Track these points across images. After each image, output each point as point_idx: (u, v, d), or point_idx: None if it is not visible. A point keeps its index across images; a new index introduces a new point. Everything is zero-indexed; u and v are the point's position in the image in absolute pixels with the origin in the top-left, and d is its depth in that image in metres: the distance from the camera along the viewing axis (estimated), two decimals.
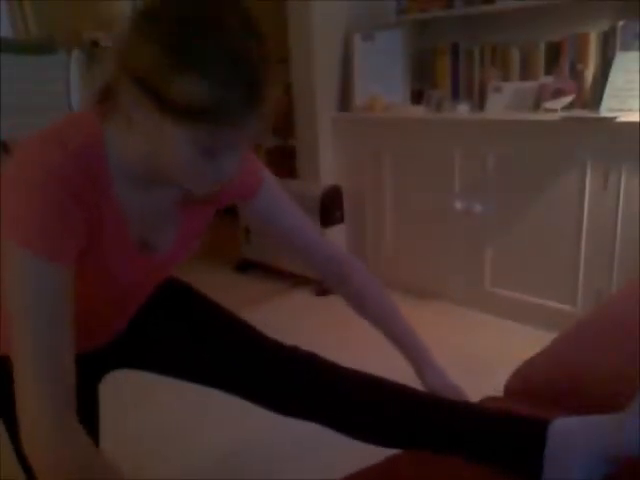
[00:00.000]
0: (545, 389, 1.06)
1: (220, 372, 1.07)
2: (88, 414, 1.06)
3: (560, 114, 2.13)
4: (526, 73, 2.43)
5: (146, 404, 1.91)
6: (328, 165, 2.80)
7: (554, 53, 2.34)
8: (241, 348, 1.07)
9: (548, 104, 2.23)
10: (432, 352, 1.11)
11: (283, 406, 1.06)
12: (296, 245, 1.07)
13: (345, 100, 2.78)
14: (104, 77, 0.77)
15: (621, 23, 2.12)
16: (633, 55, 2.06)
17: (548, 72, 2.35)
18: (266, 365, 1.05)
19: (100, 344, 1.01)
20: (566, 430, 0.85)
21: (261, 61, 0.69)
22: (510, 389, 1.10)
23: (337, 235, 2.72)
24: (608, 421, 0.83)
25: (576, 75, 2.26)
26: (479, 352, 2.12)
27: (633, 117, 1.90)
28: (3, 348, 0.86)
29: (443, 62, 2.68)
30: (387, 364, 1.09)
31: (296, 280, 2.82)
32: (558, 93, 2.22)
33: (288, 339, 1.08)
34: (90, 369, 0.99)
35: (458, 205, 2.39)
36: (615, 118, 1.92)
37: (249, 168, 0.94)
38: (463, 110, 2.47)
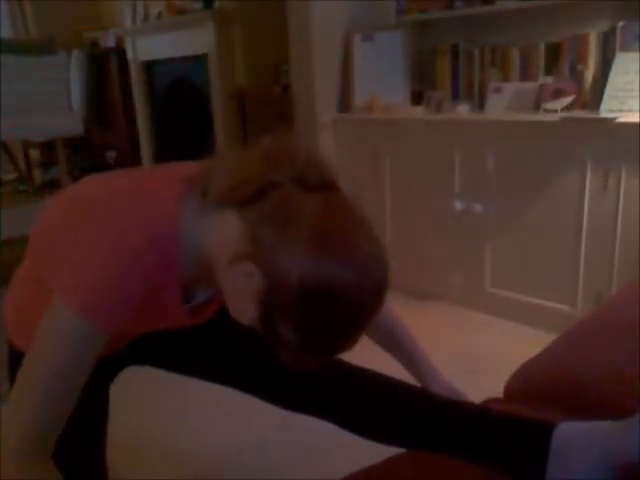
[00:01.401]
0: (545, 390, 1.06)
1: (235, 368, 1.08)
2: (99, 414, 1.08)
3: (560, 115, 2.13)
4: (526, 74, 2.43)
5: (146, 404, 1.91)
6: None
7: (554, 54, 2.34)
8: (256, 344, 1.08)
9: (548, 105, 2.23)
10: (435, 366, 1.12)
11: (295, 403, 1.07)
12: None
13: (345, 101, 2.78)
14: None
15: (621, 24, 2.12)
16: (633, 56, 2.06)
17: (548, 73, 2.35)
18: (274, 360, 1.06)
19: (121, 348, 1.02)
20: (570, 434, 0.86)
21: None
22: (510, 390, 1.10)
23: None
24: (613, 427, 0.83)
25: (576, 76, 2.26)
26: (479, 353, 2.12)
27: (633, 118, 1.90)
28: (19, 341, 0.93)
29: (443, 63, 2.68)
30: (387, 365, 1.09)
31: None
32: (558, 94, 2.22)
33: None
34: (106, 368, 1.00)
35: (458, 206, 2.39)
36: (615, 119, 1.92)
37: None
38: (463, 111, 2.48)
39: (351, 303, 0.69)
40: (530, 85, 2.37)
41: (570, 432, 0.86)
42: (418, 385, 1.10)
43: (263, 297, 0.69)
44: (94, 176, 0.88)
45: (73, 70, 3.57)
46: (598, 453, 0.82)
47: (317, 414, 1.05)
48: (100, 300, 0.72)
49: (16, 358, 0.88)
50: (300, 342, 0.70)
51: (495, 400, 1.08)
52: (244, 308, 0.74)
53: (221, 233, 0.74)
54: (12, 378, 0.96)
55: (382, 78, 2.74)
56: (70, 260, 0.73)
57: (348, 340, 0.73)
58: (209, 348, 1.08)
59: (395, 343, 1.12)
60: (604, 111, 2.05)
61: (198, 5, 4.08)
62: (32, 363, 0.74)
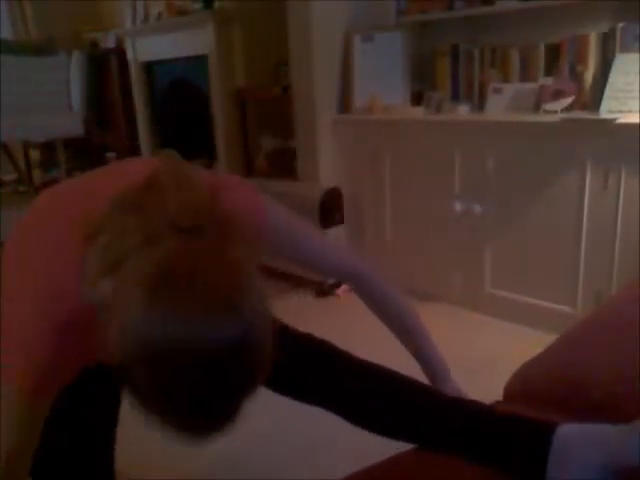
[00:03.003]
0: (545, 390, 1.06)
1: None
2: (111, 417, 1.10)
3: (560, 115, 2.13)
4: (526, 74, 2.43)
5: None
6: (328, 167, 2.81)
7: (554, 54, 2.34)
8: None
9: (548, 105, 2.23)
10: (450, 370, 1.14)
11: (300, 391, 1.07)
12: (312, 270, 1.16)
13: (345, 101, 2.78)
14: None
15: (621, 25, 2.13)
16: (633, 57, 2.06)
17: (548, 73, 2.35)
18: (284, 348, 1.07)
19: None
20: (571, 436, 0.86)
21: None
22: (510, 390, 1.10)
23: (337, 237, 2.72)
24: (614, 431, 0.83)
25: (576, 76, 2.26)
26: (479, 353, 2.12)
27: (633, 118, 1.90)
28: None
29: (443, 63, 2.68)
30: (388, 364, 1.09)
31: (296, 281, 2.82)
32: (558, 94, 2.23)
33: None
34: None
35: (458, 206, 2.39)
36: (615, 119, 1.93)
37: (250, 222, 0.83)
38: (463, 111, 2.48)
39: (195, 359, 0.59)
40: (530, 86, 2.37)
41: (571, 434, 0.86)
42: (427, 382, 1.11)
43: (121, 353, 0.62)
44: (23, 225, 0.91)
45: (73, 71, 3.57)
46: (598, 456, 0.82)
47: (321, 403, 1.06)
48: (37, 380, 0.76)
49: None
50: (159, 404, 0.63)
51: (495, 402, 1.08)
52: None
53: (103, 294, 0.68)
54: None
55: (382, 79, 2.74)
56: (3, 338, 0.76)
57: (206, 401, 0.62)
58: None
59: (406, 331, 1.14)
60: (604, 112, 2.05)
61: (198, 6, 4.08)
62: None
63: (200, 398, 0.61)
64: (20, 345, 0.76)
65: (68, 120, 3.49)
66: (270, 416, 1.74)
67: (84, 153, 4.81)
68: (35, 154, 5.01)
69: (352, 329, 1.88)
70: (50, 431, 0.83)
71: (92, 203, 0.75)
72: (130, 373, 0.61)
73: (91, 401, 1.08)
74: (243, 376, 0.63)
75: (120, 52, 5.00)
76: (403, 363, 1.09)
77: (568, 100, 2.20)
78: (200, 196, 0.69)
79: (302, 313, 2.60)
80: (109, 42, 5.17)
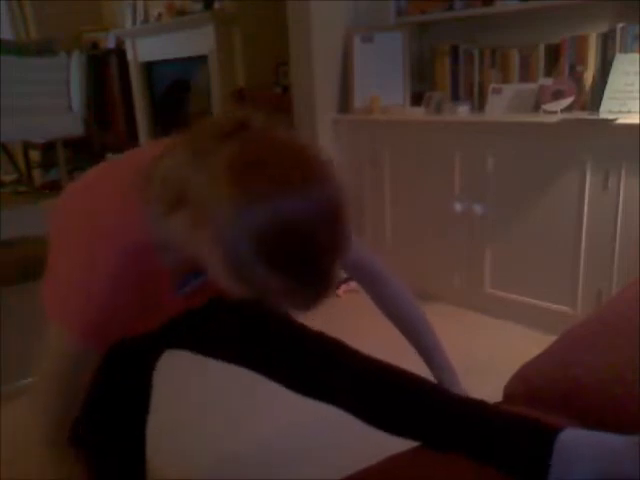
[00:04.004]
0: (545, 391, 1.06)
1: (245, 347, 1.12)
2: (141, 399, 1.17)
3: (560, 116, 2.14)
4: (526, 75, 2.43)
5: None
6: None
7: (553, 55, 2.34)
8: (271, 325, 1.12)
9: (548, 106, 2.24)
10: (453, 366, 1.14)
11: (302, 384, 1.09)
12: None
13: (345, 101, 2.78)
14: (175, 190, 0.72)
15: (620, 25, 2.13)
16: (632, 57, 2.06)
17: (548, 74, 2.35)
18: (292, 343, 1.09)
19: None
20: (575, 441, 0.86)
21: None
22: (510, 391, 1.10)
23: None
24: (618, 442, 0.83)
25: (575, 77, 2.26)
26: (478, 353, 2.12)
27: (633, 119, 1.90)
28: None
29: (443, 64, 2.68)
30: (401, 358, 1.10)
31: None
32: (558, 95, 2.23)
33: None
34: (144, 350, 1.10)
35: (458, 206, 2.40)
36: (614, 120, 1.93)
37: None
38: (463, 112, 2.48)
39: (302, 224, 0.65)
40: (530, 86, 2.37)
41: (575, 439, 0.86)
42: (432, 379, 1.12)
43: (226, 258, 0.67)
44: (75, 190, 0.91)
45: (73, 71, 3.57)
46: (602, 464, 0.82)
47: (330, 399, 1.06)
48: (92, 325, 0.77)
49: None
50: (285, 281, 0.67)
51: (495, 404, 1.08)
52: (225, 280, 0.72)
53: (180, 225, 0.73)
54: None
55: (382, 79, 2.74)
56: (59, 287, 0.79)
57: (324, 261, 0.68)
58: (217, 326, 1.12)
59: (416, 333, 1.15)
60: (604, 112, 2.05)
61: (198, 6, 4.08)
62: (40, 376, 0.83)
63: (317, 263, 0.67)
64: (79, 289, 0.77)
65: (68, 120, 3.49)
66: (270, 416, 1.74)
67: (84, 153, 4.81)
68: (35, 154, 5.01)
69: (352, 329, 1.87)
70: (87, 411, 0.87)
71: (138, 162, 0.81)
72: (242, 270, 0.66)
73: (125, 385, 1.12)
74: (342, 237, 0.69)
75: (120, 53, 5.00)
76: (404, 362, 1.09)
77: (568, 100, 2.20)
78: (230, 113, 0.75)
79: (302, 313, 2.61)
80: (109, 42, 5.18)
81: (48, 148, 4.59)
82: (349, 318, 2.28)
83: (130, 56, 4.90)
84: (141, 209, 0.78)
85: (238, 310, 1.11)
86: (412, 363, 1.13)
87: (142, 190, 0.77)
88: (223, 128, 0.70)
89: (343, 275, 1.12)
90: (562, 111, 2.19)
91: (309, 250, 0.66)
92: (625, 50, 2.12)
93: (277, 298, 0.72)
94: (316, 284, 0.69)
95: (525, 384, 1.09)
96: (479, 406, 0.99)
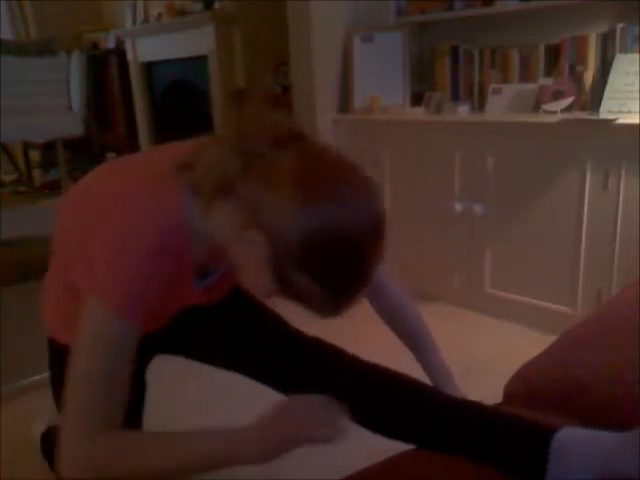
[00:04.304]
0: (545, 391, 1.06)
1: (245, 355, 1.12)
2: (134, 399, 1.12)
3: (560, 116, 2.14)
4: (526, 75, 2.43)
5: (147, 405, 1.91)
6: None
7: (553, 55, 2.34)
8: (266, 331, 1.12)
9: (548, 106, 2.24)
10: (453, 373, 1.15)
11: (297, 391, 1.08)
12: None
13: (345, 101, 2.79)
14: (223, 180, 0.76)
15: (620, 25, 2.13)
16: (632, 57, 2.06)
17: (548, 74, 2.35)
18: (288, 348, 1.10)
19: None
20: (571, 440, 0.86)
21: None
22: (510, 391, 1.10)
23: None
24: (614, 439, 0.83)
25: (575, 77, 2.26)
26: (478, 354, 2.12)
27: (632, 119, 1.90)
28: (62, 337, 1.00)
29: (443, 64, 2.68)
30: (396, 362, 1.09)
31: None
32: (557, 95, 2.23)
33: None
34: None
35: (458, 207, 2.40)
36: (614, 120, 1.93)
37: None
38: (463, 112, 2.48)
39: (353, 236, 0.71)
40: (530, 86, 2.37)
41: (570, 438, 0.86)
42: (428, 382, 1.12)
43: (274, 259, 0.72)
44: (100, 172, 0.93)
45: (73, 71, 3.57)
46: (598, 462, 0.82)
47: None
48: (133, 300, 0.76)
49: (59, 354, 0.98)
50: (322, 288, 0.72)
51: (495, 404, 1.08)
52: (260, 277, 0.76)
53: (222, 218, 0.78)
54: (52, 368, 1.07)
55: (382, 79, 2.74)
56: (97, 264, 0.77)
57: (364, 274, 0.75)
58: (221, 332, 1.12)
59: (414, 337, 1.16)
60: (604, 112, 2.05)
61: (198, 6, 4.08)
62: (79, 365, 0.77)
63: (358, 273, 0.74)
64: (117, 267, 0.76)
65: (68, 120, 3.48)
66: None
67: (84, 153, 4.81)
68: (35, 154, 5.01)
69: (349, 333, 1.87)
70: None
71: (172, 154, 0.84)
72: (286, 268, 0.71)
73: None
74: (382, 250, 0.75)
75: (120, 53, 5.00)
76: (401, 366, 1.09)
77: (568, 100, 2.20)
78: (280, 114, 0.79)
79: (301, 316, 2.60)
80: (109, 42, 5.18)
81: (48, 148, 4.59)
82: (346, 322, 2.29)
83: (130, 56, 4.90)
84: (180, 193, 0.80)
85: (233, 315, 1.11)
86: (406, 366, 1.13)
87: (182, 174, 0.79)
88: (279, 135, 0.74)
89: None
90: (562, 111, 2.19)
91: (354, 259, 0.72)
92: (625, 50, 2.12)
93: (309, 301, 0.75)
94: (349, 293, 0.75)
95: (525, 384, 1.09)
96: (476, 408, 0.99)
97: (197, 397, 1.92)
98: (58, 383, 1.04)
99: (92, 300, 0.77)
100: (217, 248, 0.82)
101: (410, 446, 0.98)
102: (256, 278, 0.78)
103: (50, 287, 1.01)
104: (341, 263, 0.72)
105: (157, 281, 0.78)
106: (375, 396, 1.03)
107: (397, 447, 0.97)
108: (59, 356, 0.99)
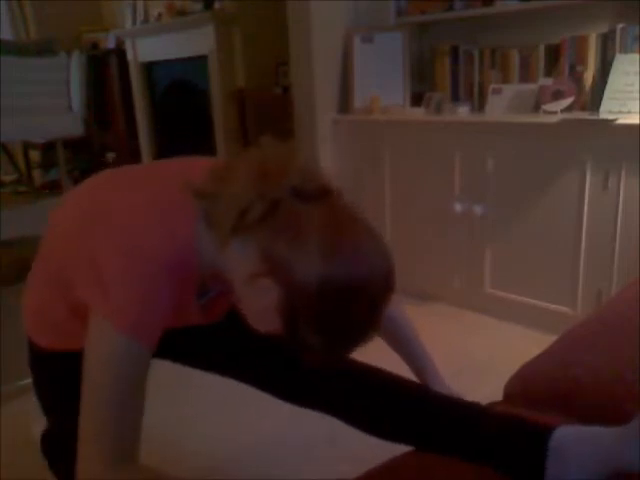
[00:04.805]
0: (545, 391, 1.06)
1: (243, 361, 1.11)
2: None
3: (560, 116, 2.14)
4: (526, 75, 2.43)
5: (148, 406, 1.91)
6: (328, 167, 2.81)
7: (554, 55, 2.34)
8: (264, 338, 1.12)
9: (548, 106, 2.24)
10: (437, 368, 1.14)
11: (301, 397, 1.08)
12: None
13: (345, 102, 2.79)
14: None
15: (620, 25, 2.13)
16: (632, 57, 2.06)
17: (548, 74, 2.35)
18: (286, 355, 1.08)
19: None
20: (568, 438, 0.86)
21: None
22: (510, 391, 1.10)
23: None
24: (610, 434, 0.83)
25: (575, 77, 2.26)
26: (478, 354, 2.12)
27: (633, 119, 1.90)
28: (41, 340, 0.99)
29: (443, 64, 2.68)
30: (389, 363, 1.09)
31: None
32: (558, 95, 2.23)
33: None
34: None
35: (458, 207, 2.40)
36: (614, 120, 1.93)
37: None
38: (463, 112, 2.48)
39: (367, 296, 0.73)
40: (530, 86, 2.37)
41: (568, 436, 0.86)
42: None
43: (284, 308, 0.72)
44: (103, 180, 0.91)
45: (73, 71, 3.56)
46: (595, 459, 0.82)
47: (320, 407, 1.06)
48: (144, 321, 0.76)
49: (35, 353, 1.01)
50: (324, 343, 0.74)
51: (495, 403, 1.08)
52: (265, 319, 0.77)
53: (234, 256, 0.78)
54: (32, 369, 1.05)
55: (382, 79, 2.74)
56: (109, 284, 0.75)
57: (368, 331, 0.76)
58: (219, 340, 1.11)
59: (402, 341, 1.15)
60: (604, 112, 2.05)
61: (198, 6, 4.08)
62: (93, 389, 0.76)
63: (366, 317, 0.75)
64: (127, 289, 0.75)
65: (68, 120, 3.48)
66: (270, 416, 1.74)
67: (84, 153, 4.81)
68: (35, 154, 5.01)
69: None
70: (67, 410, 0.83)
71: (186, 173, 0.85)
72: (303, 318, 0.72)
73: None
74: (392, 289, 0.77)
75: (120, 53, 5.00)
76: (395, 366, 1.09)
77: (568, 101, 2.20)
78: (311, 165, 0.81)
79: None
80: (109, 43, 5.18)
81: (48, 148, 4.59)
82: None
83: (130, 56, 4.90)
84: (193, 219, 0.79)
85: (231, 330, 1.10)
86: (397, 367, 1.13)
87: (199, 202, 0.79)
88: (307, 187, 0.75)
89: None
90: (562, 111, 2.20)
91: (367, 314, 0.75)
92: (625, 50, 2.12)
93: (308, 350, 0.76)
94: (350, 347, 0.77)
95: (525, 384, 1.09)
96: (473, 409, 0.99)
97: (198, 396, 1.92)
98: (39, 385, 1.04)
99: (105, 323, 0.75)
100: (221, 276, 0.82)
101: (408, 448, 0.98)
102: (260, 320, 0.80)
103: (35, 290, 0.99)
104: (350, 317, 0.73)
105: (168, 301, 0.78)
106: (374, 398, 1.03)
107: (397, 448, 0.97)
108: (39, 358, 1.02)
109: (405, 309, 1.15)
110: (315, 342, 0.74)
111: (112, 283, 0.75)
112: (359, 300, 0.73)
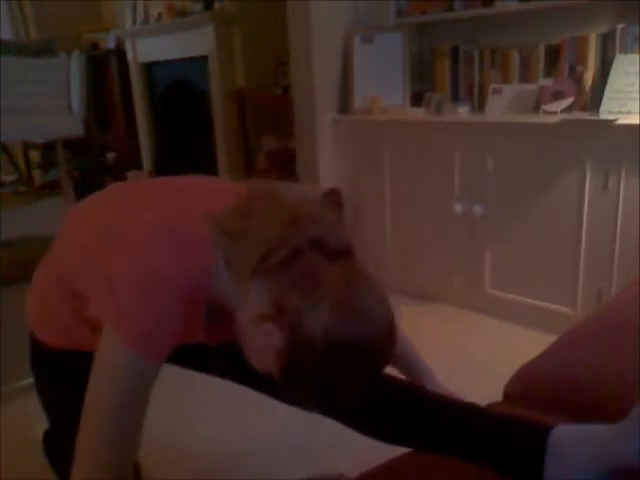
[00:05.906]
0: (545, 391, 1.06)
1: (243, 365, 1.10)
2: None
3: (560, 116, 2.14)
4: (526, 75, 2.43)
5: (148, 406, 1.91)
6: (328, 167, 2.81)
7: (554, 55, 2.34)
8: None
9: (548, 106, 2.24)
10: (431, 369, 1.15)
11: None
12: None
13: (345, 102, 2.79)
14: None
15: (620, 26, 2.13)
16: (632, 57, 2.07)
17: (548, 74, 2.36)
18: None
19: None
20: (567, 437, 0.86)
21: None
22: (510, 391, 1.10)
23: None
24: (608, 431, 0.83)
25: (575, 77, 2.26)
26: (478, 354, 2.12)
27: (632, 119, 1.90)
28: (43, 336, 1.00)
29: (443, 64, 2.68)
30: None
31: None
32: (557, 95, 2.23)
33: None
34: None
35: (458, 207, 2.40)
36: (614, 120, 1.93)
37: None
38: (463, 112, 2.48)
39: (370, 355, 0.75)
40: (530, 87, 2.37)
41: (566, 435, 0.86)
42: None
43: (284, 355, 0.73)
44: (122, 195, 0.92)
45: (73, 71, 3.56)
46: (593, 457, 0.82)
47: (321, 411, 1.06)
48: (154, 340, 0.76)
49: (38, 349, 1.01)
50: (315, 393, 0.76)
51: (495, 403, 1.08)
52: (262, 359, 0.79)
53: (246, 293, 0.78)
54: (33, 367, 1.06)
55: (382, 79, 2.74)
56: (122, 300, 0.76)
57: (362, 389, 0.78)
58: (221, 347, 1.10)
59: (413, 373, 1.15)
60: (604, 113, 2.05)
61: (198, 6, 4.08)
62: (96, 401, 0.77)
63: (376, 368, 0.78)
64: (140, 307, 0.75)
65: (68, 120, 3.48)
66: (270, 417, 1.74)
67: (84, 153, 4.81)
68: (35, 154, 5.01)
69: None
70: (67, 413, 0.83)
71: (207, 198, 0.87)
72: (301, 369, 0.74)
73: None
74: (394, 344, 0.79)
75: (120, 53, 5.00)
76: (391, 367, 1.09)
77: (568, 101, 2.20)
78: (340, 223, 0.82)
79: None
80: (109, 43, 5.18)
81: (48, 148, 4.59)
82: None
83: (130, 56, 4.90)
84: (211, 252, 0.80)
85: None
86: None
87: (220, 237, 0.79)
88: (330, 244, 0.77)
89: None
90: (562, 111, 2.20)
91: (367, 371, 0.77)
92: (625, 51, 2.12)
93: (302, 398, 0.79)
94: (342, 397, 0.78)
95: (525, 384, 1.09)
96: (471, 409, 0.99)
97: (199, 396, 1.92)
98: (41, 384, 1.05)
99: (116, 339, 0.76)
100: (226, 306, 0.83)
101: (408, 449, 0.98)
102: (257, 357, 0.81)
103: (40, 289, 0.99)
104: (348, 374, 0.75)
105: (179, 319, 0.78)
106: (372, 400, 1.03)
107: (395, 449, 0.97)
108: (42, 357, 1.02)
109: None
110: (307, 391, 0.75)
111: (125, 302, 0.75)
112: (358, 364, 0.74)
